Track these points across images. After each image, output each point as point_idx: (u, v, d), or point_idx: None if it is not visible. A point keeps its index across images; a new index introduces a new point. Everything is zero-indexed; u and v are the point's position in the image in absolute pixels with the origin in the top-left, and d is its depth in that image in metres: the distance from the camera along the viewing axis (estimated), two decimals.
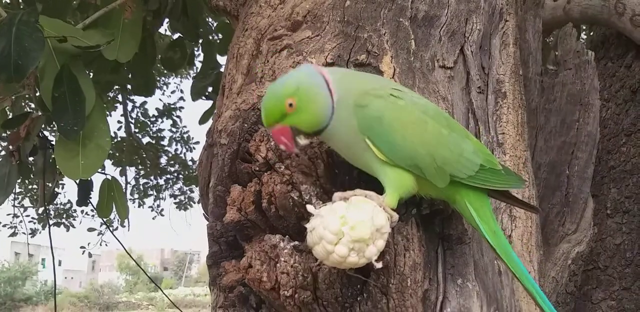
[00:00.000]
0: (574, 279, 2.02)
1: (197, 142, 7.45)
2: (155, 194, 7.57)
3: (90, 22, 1.50)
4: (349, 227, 0.71)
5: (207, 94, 3.91)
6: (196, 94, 3.77)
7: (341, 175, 0.96)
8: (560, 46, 2.43)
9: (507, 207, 1.07)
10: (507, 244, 0.90)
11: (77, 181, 2.57)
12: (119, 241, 3.26)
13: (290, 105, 0.82)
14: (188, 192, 7.92)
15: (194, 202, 7.89)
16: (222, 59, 4.01)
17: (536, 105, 2.11)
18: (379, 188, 0.88)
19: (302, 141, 0.84)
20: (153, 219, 8.00)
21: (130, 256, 3.48)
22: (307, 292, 0.84)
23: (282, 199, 0.92)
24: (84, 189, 2.67)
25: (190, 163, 7.66)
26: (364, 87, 0.86)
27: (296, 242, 0.87)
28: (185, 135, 7.26)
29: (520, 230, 1.04)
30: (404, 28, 1.23)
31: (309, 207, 0.81)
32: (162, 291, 4.11)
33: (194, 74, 6.79)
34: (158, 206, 7.83)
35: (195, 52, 4.11)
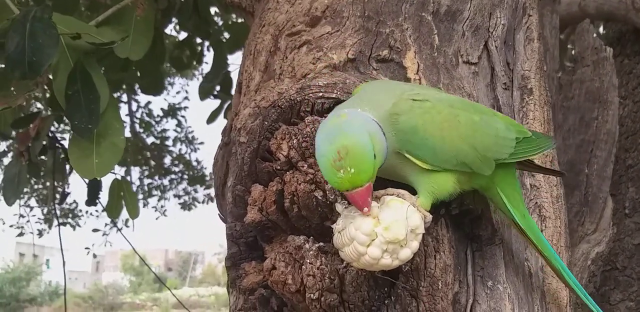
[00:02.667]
0: (594, 280, 1.99)
1: (202, 143, 7.46)
2: (159, 194, 7.57)
3: (102, 20, 1.47)
4: (383, 228, 0.68)
5: (215, 93, 3.90)
6: (204, 94, 3.75)
7: None
8: (577, 43, 2.39)
9: (535, 207, 1.04)
10: (537, 227, 0.89)
11: (87, 181, 2.56)
12: (128, 241, 3.24)
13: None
14: (192, 192, 7.93)
15: (198, 203, 7.88)
16: (231, 58, 3.98)
17: (554, 103, 2.08)
18: (406, 187, 0.85)
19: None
20: (157, 219, 7.99)
21: (138, 255, 3.46)
22: (334, 295, 0.81)
23: (306, 198, 0.88)
24: (94, 189, 2.65)
25: (195, 163, 7.66)
26: (387, 106, 0.80)
27: (321, 244, 0.84)
28: (189, 136, 7.26)
29: (550, 230, 1.01)
30: (426, 23, 1.20)
31: (338, 206, 0.78)
32: (168, 289, 4.09)
33: (199, 75, 6.80)
34: (162, 206, 7.83)
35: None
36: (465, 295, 0.89)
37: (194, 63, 3.43)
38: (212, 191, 7.89)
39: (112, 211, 2.45)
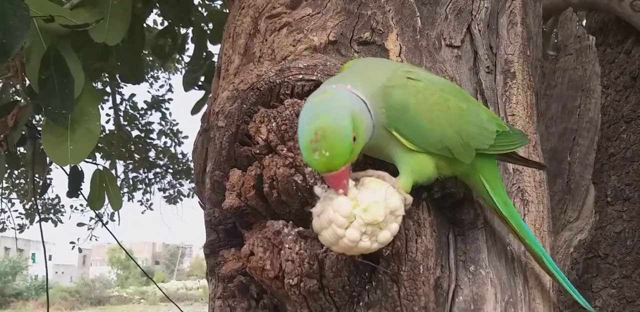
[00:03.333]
0: (576, 268, 1.99)
1: (187, 136, 7.39)
2: (144, 188, 7.51)
3: (77, 3, 1.42)
4: (361, 210, 0.66)
5: (199, 84, 3.85)
6: (188, 84, 3.71)
7: None
8: (560, 31, 2.38)
9: (517, 191, 1.03)
10: (518, 214, 0.89)
11: (68, 172, 2.50)
12: (112, 234, 3.19)
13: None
14: (177, 186, 7.88)
15: (184, 196, 7.83)
16: (214, 49, 3.92)
17: (537, 91, 2.07)
18: (388, 170, 0.83)
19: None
20: (142, 213, 7.93)
21: (124, 248, 3.41)
22: (314, 281, 0.79)
23: (285, 183, 0.86)
24: (75, 180, 2.59)
25: (180, 156, 7.60)
26: (380, 81, 0.79)
27: (300, 228, 0.82)
28: (174, 128, 7.19)
29: (533, 215, 1.00)
30: (409, 5, 1.17)
31: (316, 189, 0.76)
32: (154, 283, 4.05)
33: (183, 68, 6.71)
34: (147, 200, 7.77)
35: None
36: (448, 280, 0.88)
37: (176, 52, 3.36)
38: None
39: (94, 202, 2.41)
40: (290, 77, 0.98)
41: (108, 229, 3.26)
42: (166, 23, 3.45)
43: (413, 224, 0.82)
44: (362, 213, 0.66)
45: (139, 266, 3.82)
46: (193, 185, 7.77)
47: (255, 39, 1.19)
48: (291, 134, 0.88)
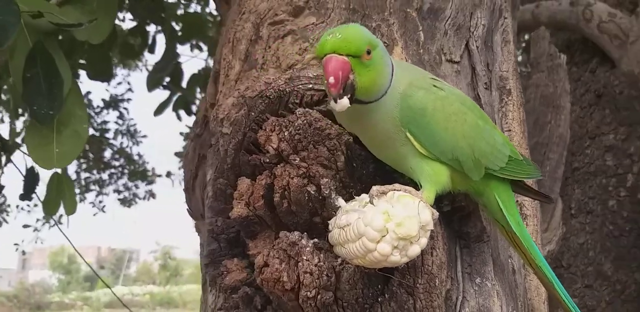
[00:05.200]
0: None
1: (145, 136, 7.21)
2: (97, 189, 7.27)
3: (64, 0, 1.36)
4: (395, 224, 0.66)
5: (164, 84, 3.77)
6: (153, 84, 3.62)
7: (359, 169, 0.91)
8: (533, 49, 2.47)
9: (517, 205, 1.06)
10: (529, 235, 0.90)
11: (24, 174, 2.39)
12: (67, 237, 3.05)
13: (368, 52, 0.71)
14: (133, 188, 7.67)
15: (139, 199, 7.64)
16: (180, 49, 3.83)
17: None
18: (397, 182, 0.83)
19: (344, 100, 0.70)
20: (94, 215, 7.67)
21: (77, 250, 3.27)
22: (329, 293, 0.78)
23: (298, 193, 0.85)
24: (30, 182, 2.47)
25: (136, 157, 7.40)
26: (409, 76, 0.80)
27: (316, 240, 0.81)
28: (132, 128, 7.00)
29: (530, 229, 1.03)
30: (412, 19, 1.19)
31: (341, 202, 0.76)
32: (102, 280, 3.90)
33: (143, 66, 6.56)
34: (100, 201, 7.53)
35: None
36: (456, 292, 0.89)
37: (145, 51, 3.28)
38: (154, 187, 7.63)
39: (50, 206, 2.31)
40: (300, 86, 0.97)
41: (62, 231, 3.12)
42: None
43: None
44: (395, 227, 0.66)
45: (92, 268, 3.68)
46: (150, 187, 7.59)
47: (257, 45, 1.17)
48: (305, 144, 0.88)
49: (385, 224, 0.66)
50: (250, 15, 1.22)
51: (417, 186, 0.79)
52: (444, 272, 0.82)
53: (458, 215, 0.94)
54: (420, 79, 0.81)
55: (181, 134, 6.47)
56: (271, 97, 0.96)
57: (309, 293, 0.77)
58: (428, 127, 0.78)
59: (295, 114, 0.92)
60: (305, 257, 0.77)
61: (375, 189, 0.74)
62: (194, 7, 4.21)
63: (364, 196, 0.76)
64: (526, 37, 3.58)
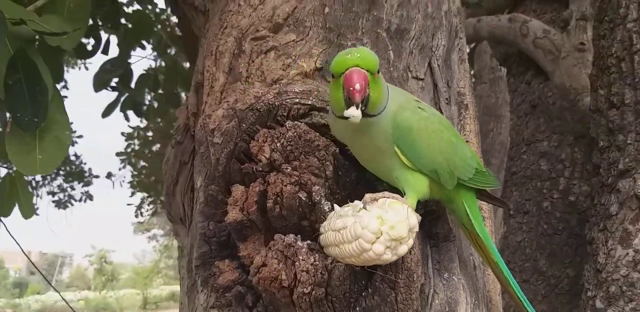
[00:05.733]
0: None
1: (81, 136, 6.99)
2: (30, 190, 6.94)
3: (40, 6, 1.38)
4: (389, 227, 0.76)
5: (113, 85, 3.72)
6: (100, 84, 3.56)
7: (343, 177, 1.01)
8: (476, 62, 2.67)
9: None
10: (489, 236, 1.03)
11: None
12: (14, 239, 2.96)
13: (378, 71, 0.84)
14: (69, 189, 7.40)
15: (75, 201, 7.38)
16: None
17: None
18: (377, 190, 0.94)
19: (359, 111, 0.79)
20: (26, 218, 7.29)
21: (26, 255, 3.17)
22: (322, 289, 0.87)
23: (290, 199, 0.94)
24: None
25: (72, 158, 7.16)
26: (399, 98, 0.91)
27: (309, 241, 0.90)
28: None
29: (488, 229, 1.16)
30: (382, 39, 1.30)
31: (336, 207, 0.85)
32: (45, 278, 3.77)
33: (82, 64, 6.35)
34: (33, 204, 7.17)
35: None
36: (428, 286, 1.00)
37: (99, 52, 3.23)
38: (90, 188, 7.39)
39: (4, 208, 2.26)
40: (288, 100, 1.06)
41: (9, 233, 3.02)
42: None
43: None
44: (389, 230, 0.76)
45: (40, 272, 3.57)
46: (86, 189, 7.35)
47: (240, 59, 1.24)
48: (296, 155, 0.96)
49: (380, 227, 0.77)
50: (232, 29, 1.29)
51: (400, 193, 0.89)
52: (420, 268, 0.94)
53: (429, 218, 1.05)
54: (407, 101, 0.92)
55: (123, 134, 6.34)
56: (261, 110, 1.05)
57: (305, 289, 0.85)
58: (413, 144, 0.89)
59: (285, 126, 1.00)
60: (301, 257, 0.86)
61: (368, 196, 0.85)
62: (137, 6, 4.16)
63: (357, 202, 0.86)
64: (467, 50, 3.81)
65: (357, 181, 1.03)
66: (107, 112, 3.91)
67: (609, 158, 1.75)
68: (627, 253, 1.57)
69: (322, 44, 1.23)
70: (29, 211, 2.41)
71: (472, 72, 3.16)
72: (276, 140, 0.98)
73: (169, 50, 4.62)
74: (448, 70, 1.42)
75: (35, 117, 1.16)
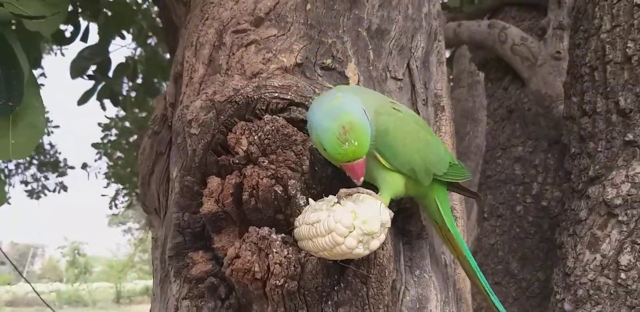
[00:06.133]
0: None
1: (57, 126, 6.88)
2: (2, 178, 6.82)
3: None
4: (361, 222, 0.77)
5: (90, 74, 3.67)
6: (78, 72, 3.51)
7: (319, 172, 1.01)
8: (455, 65, 2.71)
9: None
10: (459, 232, 1.06)
11: None
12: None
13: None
14: (42, 179, 7.28)
15: (49, 191, 7.26)
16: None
17: None
18: (352, 185, 0.95)
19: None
20: None
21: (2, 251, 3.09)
22: (294, 282, 0.88)
23: (266, 192, 0.94)
24: None
25: (47, 147, 7.04)
26: (374, 104, 0.92)
27: (283, 235, 0.90)
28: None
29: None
30: (362, 38, 1.31)
31: (311, 201, 0.85)
32: (16, 268, 3.70)
33: (58, 49, 6.24)
34: (6, 193, 7.06)
35: None
36: (400, 282, 1.02)
37: (78, 39, 3.19)
38: (65, 179, 7.27)
39: None
40: (267, 94, 1.06)
41: None
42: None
43: None
44: (362, 224, 0.77)
45: (12, 262, 3.49)
46: (61, 179, 7.22)
47: (221, 52, 1.24)
48: (273, 148, 0.97)
49: (353, 222, 0.77)
50: (213, 21, 1.29)
51: (376, 190, 0.90)
52: (392, 264, 0.95)
53: (402, 215, 1.07)
54: (382, 105, 0.93)
55: (99, 124, 6.25)
56: (240, 102, 1.04)
57: (277, 282, 0.86)
58: (390, 145, 0.91)
59: (264, 119, 1.01)
60: (275, 250, 0.86)
61: (342, 191, 0.85)
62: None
63: (331, 197, 0.87)
64: (447, 53, 3.86)
65: (333, 177, 1.03)
66: (83, 100, 3.84)
67: (580, 165, 1.79)
68: (595, 258, 1.61)
69: (303, 40, 1.24)
70: (1, 198, 2.36)
71: (450, 76, 3.21)
72: (254, 133, 0.98)
73: (149, 41, 4.58)
74: (426, 72, 1.44)
75: (9, 101, 1.14)
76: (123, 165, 6.45)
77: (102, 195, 6.98)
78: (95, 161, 6.82)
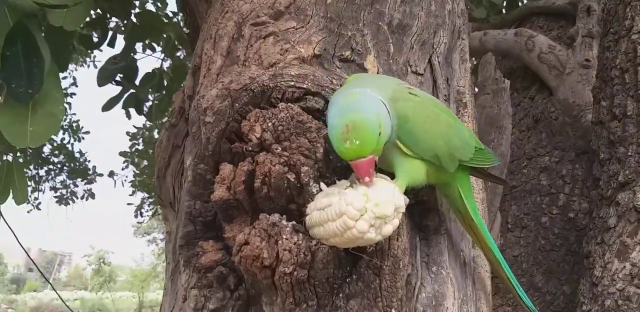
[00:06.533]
0: None
1: (87, 132, 7.00)
2: (33, 185, 6.97)
3: None
4: (373, 204, 0.74)
5: (116, 80, 3.73)
6: (105, 78, 3.57)
7: (334, 162, 0.98)
8: (480, 73, 2.66)
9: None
10: (483, 222, 1.02)
11: None
12: (14, 234, 2.92)
13: (379, 134, 0.79)
14: (71, 185, 7.39)
15: (77, 198, 7.36)
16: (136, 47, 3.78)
17: None
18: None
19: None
20: (29, 212, 7.32)
21: (27, 253, 3.13)
22: (304, 271, 0.84)
23: (278, 180, 0.91)
24: None
25: (77, 155, 7.15)
26: (390, 91, 0.89)
27: (294, 222, 0.87)
28: (74, 124, 6.78)
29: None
30: (383, 32, 1.29)
31: (323, 186, 0.83)
32: (43, 276, 3.73)
33: (91, 62, 6.40)
34: (36, 198, 7.21)
35: None
36: (415, 278, 0.97)
37: (105, 44, 3.25)
38: (93, 186, 7.37)
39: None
40: (283, 83, 1.04)
41: (11, 228, 2.98)
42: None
43: None
44: (374, 207, 0.73)
45: (39, 269, 3.53)
46: (89, 186, 7.32)
47: (239, 43, 1.23)
48: (287, 135, 0.94)
49: (365, 204, 0.74)
50: (233, 14, 1.29)
51: (394, 178, 0.87)
52: (406, 257, 0.91)
53: (419, 208, 1.03)
54: (398, 90, 0.90)
55: (128, 133, 6.34)
56: (255, 91, 1.03)
57: (286, 269, 0.83)
58: (411, 131, 0.87)
59: (279, 107, 0.99)
60: (285, 236, 0.83)
61: (355, 174, 0.82)
62: (150, 6, 4.21)
63: (343, 181, 0.84)
64: (474, 62, 3.81)
65: (347, 167, 1.00)
66: (107, 106, 3.90)
67: (609, 170, 1.72)
68: (624, 266, 1.53)
69: (322, 33, 1.22)
70: (23, 197, 2.37)
71: (475, 83, 3.15)
72: (268, 120, 0.96)
73: (178, 53, 4.66)
74: (448, 68, 1.40)
75: (29, 88, 1.14)
76: (149, 174, 6.53)
77: (128, 204, 7.05)
78: (122, 169, 6.91)
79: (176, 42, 4.35)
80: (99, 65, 3.51)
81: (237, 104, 1.03)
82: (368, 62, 1.21)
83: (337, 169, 0.99)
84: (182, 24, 4.56)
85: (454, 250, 1.07)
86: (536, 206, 2.61)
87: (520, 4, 4.17)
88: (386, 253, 0.87)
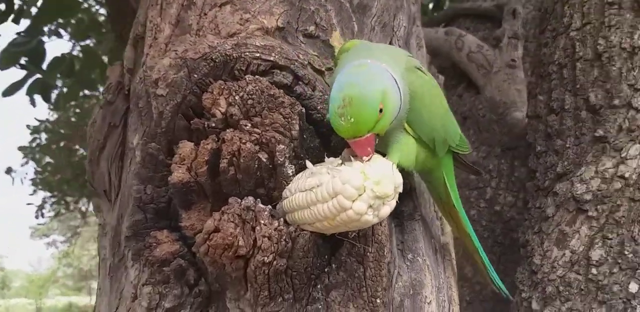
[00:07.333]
0: None
1: None
2: None
3: None
4: (373, 182, 0.65)
5: (21, 64, 3.40)
6: (8, 61, 3.24)
7: (307, 142, 0.89)
8: None
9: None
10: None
11: None
12: None
13: (381, 110, 0.70)
14: None
15: None
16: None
17: None
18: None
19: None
20: None
21: None
22: (284, 260, 0.75)
23: (249, 160, 0.81)
24: None
25: None
26: (402, 65, 0.82)
27: (269, 206, 0.78)
28: None
29: None
30: (346, 9, 1.22)
31: (309, 165, 0.73)
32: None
33: None
34: None
35: None
36: (393, 266, 0.91)
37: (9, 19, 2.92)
38: None
39: None
40: (247, 53, 0.94)
41: None
42: None
43: None
44: (374, 186, 0.65)
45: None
46: None
47: (191, 11, 1.10)
48: (258, 110, 0.84)
49: (364, 183, 0.66)
50: None
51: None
52: (389, 243, 0.84)
53: None
54: (409, 66, 0.84)
55: (28, 127, 5.79)
56: (216, 60, 0.92)
57: (265, 258, 0.73)
58: (417, 109, 0.81)
59: (245, 79, 0.88)
60: (262, 222, 0.73)
61: (347, 151, 0.74)
62: None
63: (332, 159, 0.75)
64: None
65: (319, 149, 0.92)
66: (9, 91, 3.52)
67: (545, 162, 1.77)
68: (564, 254, 1.58)
69: (283, 5, 1.12)
70: None
71: None
72: (234, 93, 0.85)
73: (87, 41, 4.32)
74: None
75: None
76: (52, 171, 6.01)
77: (28, 203, 6.45)
78: (22, 165, 6.31)
79: (87, 25, 4.03)
80: (1, 46, 3.17)
81: (195, 75, 0.91)
82: (334, 38, 1.13)
83: (311, 150, 0.90)
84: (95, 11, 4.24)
85: (428, 237, 1.02)
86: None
87: (444, 7, 4.29)
88: (370, 239, 0.80)
